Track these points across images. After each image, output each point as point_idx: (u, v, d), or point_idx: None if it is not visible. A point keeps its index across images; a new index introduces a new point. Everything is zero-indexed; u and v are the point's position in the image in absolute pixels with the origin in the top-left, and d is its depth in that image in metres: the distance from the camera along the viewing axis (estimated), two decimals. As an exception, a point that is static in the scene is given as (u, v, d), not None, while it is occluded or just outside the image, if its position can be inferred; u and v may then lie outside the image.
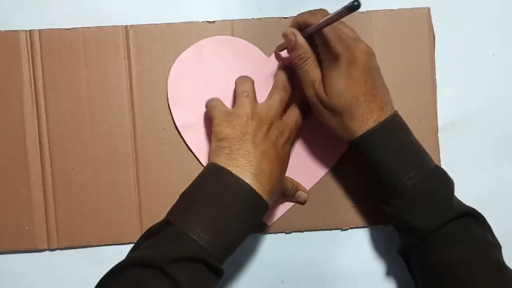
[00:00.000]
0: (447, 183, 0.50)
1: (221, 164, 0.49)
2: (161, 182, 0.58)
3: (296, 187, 0.57)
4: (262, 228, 0.59)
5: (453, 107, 0.59)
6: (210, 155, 0.52)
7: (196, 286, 0.45)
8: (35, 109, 0.58)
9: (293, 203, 0.59)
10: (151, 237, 0.47)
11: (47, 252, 0.59)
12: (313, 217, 0.59)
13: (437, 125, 0.59)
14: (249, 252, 0.59)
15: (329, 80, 0.49)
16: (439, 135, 0.59)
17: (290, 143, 0.54)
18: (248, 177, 0.48)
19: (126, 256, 0.47)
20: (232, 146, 0.50)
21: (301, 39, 0.51)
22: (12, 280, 0.59)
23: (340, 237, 0.59)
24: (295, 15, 0.58)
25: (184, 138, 0.58)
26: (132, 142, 0.58)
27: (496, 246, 0.49)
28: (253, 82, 0.54)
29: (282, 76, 0.55)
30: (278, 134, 0.52)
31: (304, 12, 0.52)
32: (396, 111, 0.51)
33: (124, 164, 0.58)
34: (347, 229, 0.59)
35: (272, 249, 0.59)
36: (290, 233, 0.59)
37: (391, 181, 0.49)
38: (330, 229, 0.59)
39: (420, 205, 0.49)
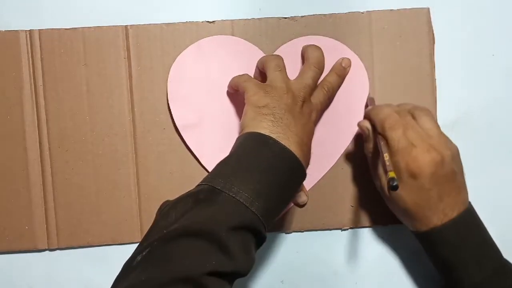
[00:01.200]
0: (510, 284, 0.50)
1: (267, 132, 0.47)
2: (161, 182, 0.58)
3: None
4: (262, 228, 0.59)
5: (453, 107, 0.59)
6: (247, 123, 0.49)
7: (246, 253, 0.43)
8: (35, 109, 0.58)
9: (292, 204, 0.59)
10: (198, 204, 0.43)
11: (47, 252, 0.59)
12: (313, 217, 0.59)
13: (437, 125, 0.59)
14: (249, 252, 0.59)
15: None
16: (439, 135, 0.59)
17: (316, 124, 0.54)
18: (293, 146, 0.47)
19: (165, 220, 0.43)
20: (275, 114, 0.48)
21: (369, 133, 0.53)
22: (12, 280, 0.59)
23: (340, 237, 0.59)
24: (295, 15, 0.58)
25: (184, 138, 0.58)
26: (132, 142, 0.58)
27: None
28: (282, 59, 0.53)
29: (316, 53, 0.55)
30: (309, 112, 0.51)
31: (375, 108, 0.53)
32: (467, 208, 0.51)
33: (124, 164, 0.58)
34: (347, 229, 0.59)
35: (272, 249, 0.59)
36: (290, 233, 0.59)
37: (455, 278, 0.50)
38: (330, 229, 0.59)
39: None
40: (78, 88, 0.58)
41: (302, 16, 0.58)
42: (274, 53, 0.58)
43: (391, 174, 0.47)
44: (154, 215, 0.57)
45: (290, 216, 0.59)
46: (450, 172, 0.50)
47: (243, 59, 0.58)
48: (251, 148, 0.47)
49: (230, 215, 0.42)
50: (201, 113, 0.58)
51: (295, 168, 0.47)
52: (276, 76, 0.52)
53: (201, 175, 0.57)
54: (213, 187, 0.44)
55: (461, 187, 0.51)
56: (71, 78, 0.58)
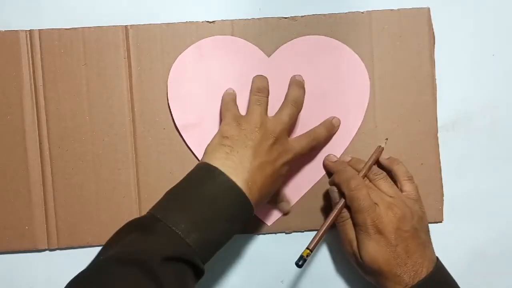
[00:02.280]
0: None
1: (215, 163, 0.48)
2: (161, 182, 0.58)
3: (281, 197, 0.58)
4: (262, 228, 0.59)
5: (453, 107, 0.59)
6: (207, 149, 0.51)
7: (179, 285, 0.43)
8: (35, 109, 0.58)
9: (293, 203, 0.59)
10: (134, 232, 0.45)
11: (47, 252, 0.59)
12: (313, 217, 0.59)
13: (437, 125, 0.59)
14: (249, 252, 0.59)
15: (361, 244, 0.52)
16: (439, 135, 0.59)
17: (289, 166, 0.54)
18: (239, 182, 0.48)
19: (107, 247, 0.44)
20: (233, 147, 0.50)
21: (340, 200, 0.54)
22: (12, 280, 0.59)
23: (340, 237, 0.59)
24: (295, 15, 0.58)
25: (184, 138, 0.58)
26: (132, 142, 0.58)
27: None
28: (267, 92, 0.54)
29: (294, 92, 0.55)
30: (281, 151, 0.52)
31: (340, 172, 0.54)
32: (436, 265, 0.51)
33: (124, 164, 0.58)
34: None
35: (272, 249, 0.59)
36: (290, 233, 0.59)
37: None
38: (330, 230, 0.59)
39: None
40: (78, 88, 0.58)
41: (302, 16, 0.58)
42: (273, 55, 0.57)
43: (305, 252, 0.51)
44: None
45: (290, 216, 0.59)
46: (412, 228, 0.51)
47: (243, 59, 0.58)
48: (197, 179, 0.48)
49: (165, 246, 0.43)
50: (201, 113, 0.58)
51: (239, 202, 0.48)
52: (254, 109, 0.53)
53: (201, 175, 0.57)
54: (153, 216, 0.45)
55: (426, 245, 0.52)
56: (71, 78, 0.58)
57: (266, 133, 0.51)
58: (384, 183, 0.54)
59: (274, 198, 0.57)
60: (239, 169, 0.48)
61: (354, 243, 0.53)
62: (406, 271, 0.50)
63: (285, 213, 0.59)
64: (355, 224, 0.52)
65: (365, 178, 0.55)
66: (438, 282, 0.51)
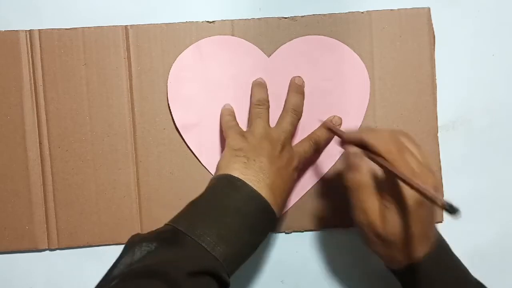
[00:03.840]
0: None
1: (237, 174, 0.48)
2: (161, 182, 0.58)
3: None
4: (262, 228, 0.59)
5: (453, 107, 0.59)
6: (223, 165, 0.50)
7: None
8: (35, 109, 0.58)
9: (293, 203, 0.59)
10: (157, 243, 0.43)
11: (47, 252, 0.59)
12: (313, 217, 0.59)
13: (437, 125, 0.59)
14: (249, 252, 0.59)
15: (391, 215, 0.45)
16: (439, 135, 0.59)
17: (298, 172, 0.54)
18: (263, 189, 0.47)
19: (126, 256, 0.43)
20: (249, 156, 0.49)
21: (365, 167, 0.46)
22: (12, 280, 0.59)
23: (340, 237, 0.59)
24: (295, 15, 0.58)
25: (184, 138, 0.58)
26: (132, 142, 0.58)
27: None
28: (268, 103, 0.54)
29: (293, 98, 0.56)
30: (289, 158, 0.52)
31: (375, 133, 0.47)
32: (441, 243, 0.48)
33: (124, 164, 0.58)
34: (347, 229, 0.59)
35: (272, 249, 0.59)
36: (290, 233, 0.59)
37: None
38: (330, 229, 0.59)
39: None
40: (78, 88, 0.58)
41: (302, 16, 0.58)
42: (273, 55, 0.57)
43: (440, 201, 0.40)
44: (154, 215, 0.57)
45: (290, 216, 0.59)
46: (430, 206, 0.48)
47: (243, 59, 0.58)
48: (219, 190, 0.47)
49: (191, 259, 0.42)
50: (201, 113, 0.58)
51: (263, 211, 0.47)
52: (257, 123, 0.53)
53: (201, 175, 0.58)
54: (176, 229, 0.44)
55: (433, 222, 0.49)
56: (71, 78, 0.58)
57: (272, 142, 0.51)
58: (416, 147, 0.48)
59: None
60: (260, 177, 0.48)
61: (372, 211, 0.46)
62: (420, 243, 0.46)
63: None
64: (384, 192, 0.46)
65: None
66: (446, 257, 0.48)
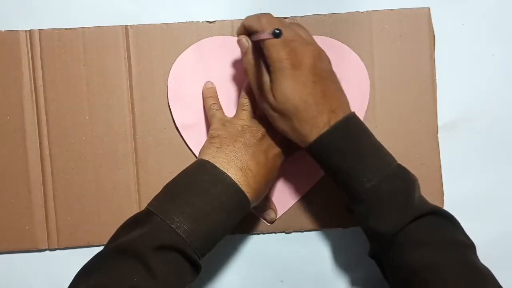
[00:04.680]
0: (407, 183, 0.48)
1: (208, 158, 0.49)
2: (161, 182, 0.57)
3: (267, 204, 0.58)
4: (262, 228, 0.59)
5: (453, 107, 0.59)
6: (200, 152, 0.52)
7: (171, 274, 0.45)
8: (35, 109, 0.58)
9: (293, 203, 0.59)
10: (131, 225, 0.47)
11: (47, 252, 0.59)
12: (313, 217, 0.59)
13: (437, 125, 0.59)
14: (249, 252, 0.59)
15: (275, 85, 0.48)
16: (439, 135, 0.59)
17: (281, 158, 0.53)
18: (233, 170, 0.48)
19: (109, 242, 0.48)
20: (222, 142, 0.51)
21: (248, 45, 0.51)
22: (12, 280, 0.59)
23: (340, 237, 0.59)
24: (295, 15, 0.58)
25: (184, 138, 0.58)
26: (132, 142, 0.58)
27: (466, 245, 0.48)
28: (253, 96, 0.54)
29: None
30: (270, 144, 0.52)
31: (250, 16, 0.51)
32: (352, 112, 0.50)
33: (124, 164, 0.58)
34: (347, 229, 0.59)
35: (272, 249, 0.59)
36: (290, 233, 0.59)
37: (349, 186, 0.48)
38: (330, 229, 0.59)
39: (378, 209, 0.47)
40: (78, 88, 0.58)
41: (302, 16, 0.58)
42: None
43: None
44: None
45: (290, 216, 0.59)
46: (329, 69, 0.50)
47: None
48: (189, 172, 0.49)
49: (156, 236, 0.45)
50: (201, 113, 0.58)
51: (232, 192, 0.48)
52: (239, 114, 0.54)
53: (201, 175, 0.58)
54: (148, 210, 0.47)
55: (342, 91, 0.51)
56: (71, 78, 0.58)
57: (252, 132, 0.52)
58: (300, 28, 0.52)
59: (261, 206, 0.57)
60: (231, 159, 0.49)
61: (266, 87, 0.49)
62: (323, 112, 0.48)
63: (270, 222, 0.59)
64: (269, 64, 0.49)
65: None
66: (356, 126, 0.49)
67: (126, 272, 0.44)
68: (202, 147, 0.52)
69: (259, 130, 0.52)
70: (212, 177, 0.48)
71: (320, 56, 0.50)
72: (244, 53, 0.52)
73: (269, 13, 0.51)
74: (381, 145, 0.50)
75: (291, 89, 0.48)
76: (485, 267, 0.47)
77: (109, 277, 0.44)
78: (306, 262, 0.59)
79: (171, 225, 0.45)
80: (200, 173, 0.49)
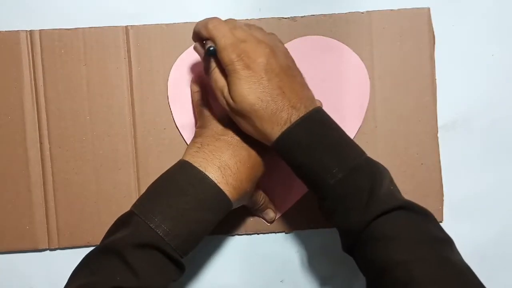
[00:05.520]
0: (372, 177, 0.47)
1: (187, 158, 0.50)
2: (161, 182, 0.58)
3: (266, 204, 0.58)
4: (262, 228, 0.59)
5: (453, 107, 0.59)
6: (184, 152, 0.52)
7: (153, 272, 0.46)
8: (35, 109, 0.58)
9: (293, 203, 0.59)
10: (117, 226, 0.49)
11: (48, 251, 0.59)
12: (313, 217, 0.59)
13: (437, 125, 0.59)
14: (249, 252, 0.59)
15: (231, 86, 0.48)
16: (439, 135, 0.59)
17: (267, 153, 0.53)
18: (212, 170, 0.49)
19: (105, 235, 0.50)
20: (203, 142, 0.51)
21: (202, 51, 0.52)
22: (13, 280, 0.59)
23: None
24: (295, 15, 0.58)
25: (184, 138, 0.58)
26: (133, 142, 0.58)
27: (440, 240, 0.46)
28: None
29: None
30: (253, 141, 0.52)
31: (199, 22, 0.51)
32: (317, 107, 0.49)
33: (124, 164, 0.58)
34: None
35: (272, 249, 0.59)
36: (290, 233, 0.59)
37: (314, 183, 0.48)
38: (330, 229, 0.59)
39: (343, 205, 0.47)
40: (79, 88, 0.58)
41: (302, 16, 0.58)
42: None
43: (210, 44, 0.48)
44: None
45: (290, 216, 0.59)
46: (285, 64, 0.49)
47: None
48: (169, 173, 0.50)
49: (135, 235, 0.47)
50: (201, 113, 0.58)
51: (210, 191, 0.48)
52: (226, 111, 0.53)
53: (201, 175, 0.58)
54: (131, 211, 0.49)
55: (304, 85, 0.50)
56: (72, 78, 0.58)
57: (237, 129, 0.52)
58: (254, 28, 0.52)
59: (260, 206, 0.57)
60: (210, 158, 0.50)
61: (225, 90, 0.49)
62: (283, 109, 0.47)
63: (270, 222, 0.59)
64: (224, 68, 0.49)
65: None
66: (318, 121, 0.49)
67: (109, 271, 0.46)
68: (187, 146, 0.53)
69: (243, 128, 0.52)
70: (190, 177, 0.49)
71: (274, 53, 0.49)
72: (202, 59, 0.53)
73: (216, 18, 0.50)
74: (348, 139, 0.49)
75: (246, 89, 0.48)
76: (461, 262, 0.45)
77: (94, 277, 0.46)
78: (306, 262, 0.59)
79: (150, 225, 0.47)
80: (179, 173, 0.50)
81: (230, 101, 0.49)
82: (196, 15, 0.58)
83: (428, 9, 0.59)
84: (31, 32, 0.58)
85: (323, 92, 0.58)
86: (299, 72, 0.51)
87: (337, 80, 0.58)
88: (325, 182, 0.47)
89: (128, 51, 0.58)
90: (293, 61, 0.52)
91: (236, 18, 0.58)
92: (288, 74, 0.49)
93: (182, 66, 0.58)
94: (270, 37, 0.51)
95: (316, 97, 0.58)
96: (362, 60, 0.58)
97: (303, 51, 0.58)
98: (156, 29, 0.58)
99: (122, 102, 0.58)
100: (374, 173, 0.47)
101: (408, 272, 0.43)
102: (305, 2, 0.59)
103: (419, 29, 0.59)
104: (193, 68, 0.58)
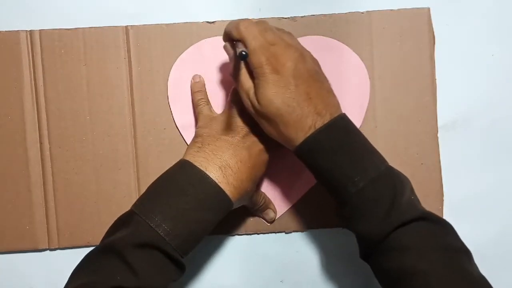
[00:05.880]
0: (393, 187, 0.47)
1: (188, 158, 0.50)
2: (161, 182, 0.58)
3: (267, 204, 0.58)
4: (262, 228, 0.59)
5: (453, 107, 0.59)
6: (185, 151, 0.52)
7: (153, 271, 0.46)
8: (35, 109, 0.58)
9: (293, 203, 0.59)
10: (117, 226, 0.49)
11: (48, 251, 0.59)
12: (313, 217, 0.59)
13: (437, 125, 0.59)
14: (249, 252, 0.59)
15: (258, 89, 0.48)
16: (439, 135, 0.59)
17: (266, 154, 0.53)
18: (213, 170, 0.49)
19: (105, 235, 0.50)
20: (204, 141, 0.51)
21: (232, 51, 0.52)
22: (13, 280, 0.59)
23: (340, 237, 0.59)
24: (295, 15, 0.58)
25: (184, 138, 0.58)
26: (132, 142, 0.58)
27: (459, 251, 0.46)
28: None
29: None
30: (254, 141, 0.52)
31: (231, 22, 0.51)
32: (340, 114, 0.49)
33: (124, 164, 0.58)
34: (347, 229, 0.59)
35: (272, 249, 0.59)
36: (290, 233, 0.59)
37: (335, 190, 0.48)
38: (330, 229, 0.59)
39: (365, 214, 0.47)
40: (79, 88, 0.58)
41: (302, 16, 0.58)
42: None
43: (242, 48, 0.47)
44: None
45: (290, 216, 0.59)
46: (313, 70, 0.49)
47: (243, 59, 0.58)
48: (169, 173, 0.50)
49: (135, 234, 0.47)
50: (201, 113, 0.58)
51: (210, 190, 0.48)
52: (227, 111, 0.54)
53: (201, 175, 0.58)
54: (132, 210, 0.49)
55: (330, 92, 0.50)
56: (72, 78, 0.58)
57: (237, 129, 0.52)
58: (283, 31, 0.51)
59: (261, 206, 0.57)
60: (211, 158, 0.50)
61: (251, 92, 0.49)
62: (308, 115, 0.47)
63: (270, 222, 0.59)
64: (252, 70, 0.49)
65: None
66: (342, 128, 0.48)
67: (109, 271, 0.46)
68: (187, 146, 0.53)
69: (243, 127, 0.52)
70: (190, 176, 0.49)
71: (303, 58, 0.49)
72: (230, 59, 0.53)
73: (248, 20, 0.50)
74: (371, 147, 0.49)
75: (273, 94, 0.48)
76: (480, 274, 0.45)
77: (94, 276, 0.46)
78: (306, 262, 0.59)
79: (151, 224, 0.47)
80: (179, 173, 0.50)
81: (256, 103, 0.49)
82: (196, 15, 0.58)
83: (428, 9, 0.59)
84: (31, 32, 0.58)
85: (323, 92, 0.58)
86: (326, 78, 0.51)
87: (337, 80, 0.58)
88: (346, 190, 0.47)
89: (128, 51, 0.58)
90: (320, 67, 0.51)
91: (236, 19, 0.58)
92: (316, 80, 0.49)
93: (182, 66, 0.58)
94: (297, 41, 0.51)
95: (316, 97, 0.58)
96: (362, 60, 0.58)
97: (303, 51, 0.58)
98: (156, 29, 0.58)
99: (122, 102, 0.58)
100: (395, 183, 0.47)
101: (425, 282, 0.43)
102: (305, 2, 0.59)
103: (419, 29, 0.59)
104: (194, 68, 0.58)
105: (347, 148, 0.48)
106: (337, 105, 0.50)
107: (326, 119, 0.48)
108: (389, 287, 0.47)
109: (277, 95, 0.48)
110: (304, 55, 0.49)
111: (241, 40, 0.49)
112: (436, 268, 0.44)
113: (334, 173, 0.47)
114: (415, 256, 0.45)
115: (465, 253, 0.46)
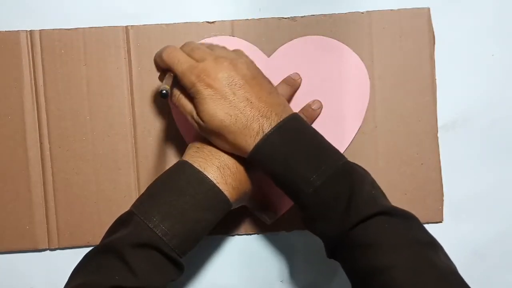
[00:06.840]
0: (351, 183, 0.46)
1: (187, 158, 0.50)
2: (161, 182, 0.58)
3: (267, 204, 0.58)
4: (262, 228, 0.59)
5: (453, 107, 0.59)
6: (184, 152, 0.52)
7: (151, 271, 0.46)
8: (35, 109, 0.58)
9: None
10: (116, 226, 0.49)
11: (48, 251, 0.59)
12: (313, 217, 0.59)
13: (437, 125, 0.59)
14: (249, 252, 0.59)
15: (198, 108, 0.49)
16: (439, 135, 0.59)
17: None
18: (211, 170, 0.49)
19: (104, 235, 0.50)
20: (203, 142, 0.51)
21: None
22: (13, 280, 0.59)
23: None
24: (295, 15, 0.58)
25: (184, 138, 0.58)
26: (133, 142, 0.58)
27: (424, 243, 0.45)
28: None
29: (279, 88, 0.56)
30: None
31: (158, 52, 0.53)
32: (291, 114, 0.49)
33: (124, 164, 0.58)
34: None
35: (272, 249, 0.59)
36: (290, 233, 0.59)
37: (293, 192, 0.48)
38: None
39: (323, 213, 0.46)
40: (79, 88, 0.58)
41: (302, 16, 0.58)
42: (273, 55, 0.57)
43: (163, 86, 0.47)
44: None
45: (290, 216, 0.59)
46: (248, 75, 0.49)
47: (243, 59, 0.58)
48: (168, 173, 0.50)
49: (134, 234, 0.47)
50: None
51: (208, 190, 0.48)
52: None
53: (201, 175, 0.58)
54: (131, 210, 0.49)
55: (272, 92, 0.49)
56: (72, 78, 0.58)
57: None
58: (219, 47, 0.52)
59: (261, 206, 0.57)
60: (209, 158, 0.50)
61: (194, 113, 0.50)
62: (253, 119, 0.47)
63: (270, 222, 0.58)
64: (188, 93, 0.50)
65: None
66: (293, 129, 0.48)
67: (108, 271, 0.46)
68: (187, 147, 0.53)
69: None
70: (188, 176, 0.49)
71: (234, 65, 0.49)
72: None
73: (170, 46, 0.52)
74: (327, 144, 0.49)
75: (213, 108, 0.48)
76: (447, 265, 0.44)
77: (93, 276, 0.46)
78: (306, 262, 0.59)
79: (149, 225, 0.47)
80: (178, 173, 0.50)
81: (201, 122, 0.49)
82: (196, 15, 0.58)
83: (428, 9, 0.59)
84: (31, 32, 0.58)
85: (323, 92, 0.58)
86: (267, 80, 0.51)
87: (337, 80, 0.58)
88: (303, 191, 0.46)
89: (128, 51, 0.58)
90: (259, 70, 0.51)
91: (236, 19, 0.58)
92: (253, 84, 0.49)
93: (182, 66, 0.58)
94: (234, 53, 0.52)
95: (316, 97, 0.58)
96: (362, 60, 0.58)
97: (303, 51, 0.58)
98: (156, 29, 0.58)
99: (122, 102, 0.58)
100: (353, 178, 0.46)
101: (390, 279, 0.42)
102: (305, 2, 0.59)
103: (419, 29, 0.59)
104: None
105: (299, 148, 0.47)
106: (283, 103, 0.50)
107: (273, 120, 0.48)
108: (358, 284, 0.46)
109: (217, 108, 0.48)
110: (234, 63, 0.49)
111: (169, 68, 0.50)
112: (400, 262, 0.43)
113: (289, 176, 0.47)
114: (377, 252, 0.44)
115: (431, 245, 0.45)
